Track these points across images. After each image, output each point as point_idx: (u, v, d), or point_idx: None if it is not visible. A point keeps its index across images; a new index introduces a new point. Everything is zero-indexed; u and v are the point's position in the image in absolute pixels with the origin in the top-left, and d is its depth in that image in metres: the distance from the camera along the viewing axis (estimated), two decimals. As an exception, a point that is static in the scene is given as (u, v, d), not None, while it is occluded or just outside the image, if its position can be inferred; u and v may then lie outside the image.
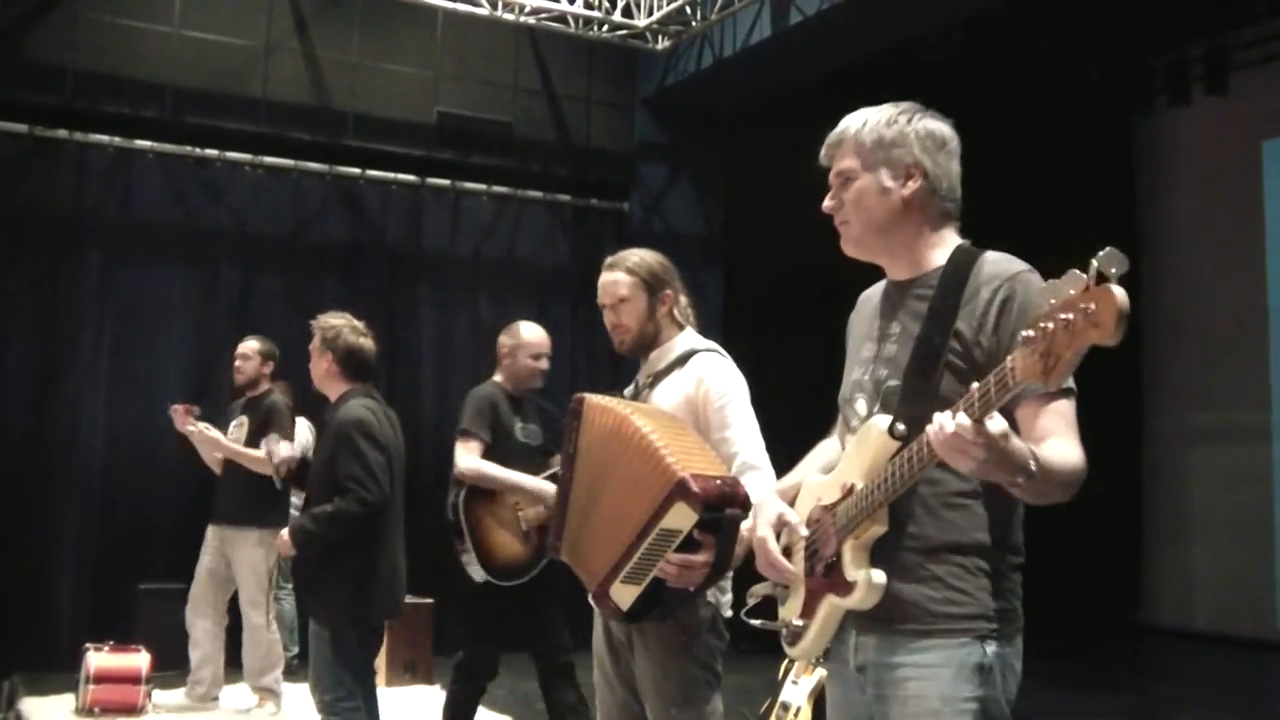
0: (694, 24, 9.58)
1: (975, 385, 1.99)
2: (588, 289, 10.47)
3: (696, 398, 3.46)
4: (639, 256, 3.76)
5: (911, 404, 2.26)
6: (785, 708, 5.17)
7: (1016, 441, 2.01)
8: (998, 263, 2.32)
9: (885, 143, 2.40)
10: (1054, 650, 7.76)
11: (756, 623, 2.58)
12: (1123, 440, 11.32)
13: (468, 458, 5.25)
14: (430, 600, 8.22)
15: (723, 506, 3.03)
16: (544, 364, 5.61)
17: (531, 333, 5.64)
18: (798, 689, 5.17)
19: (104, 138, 8.62)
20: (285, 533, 4.78)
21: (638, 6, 9.76)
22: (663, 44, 10.06)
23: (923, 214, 2.40)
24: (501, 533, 5.31)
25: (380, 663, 7.91)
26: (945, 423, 1.98)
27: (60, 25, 8.45)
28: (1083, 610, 10.51)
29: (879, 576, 2.26)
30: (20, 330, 8.35)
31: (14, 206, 8.31)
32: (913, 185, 2.39)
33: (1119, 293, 1.78)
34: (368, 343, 4.87)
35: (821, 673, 5.11)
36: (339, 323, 4.84)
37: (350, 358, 4.81)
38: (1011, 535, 2.33)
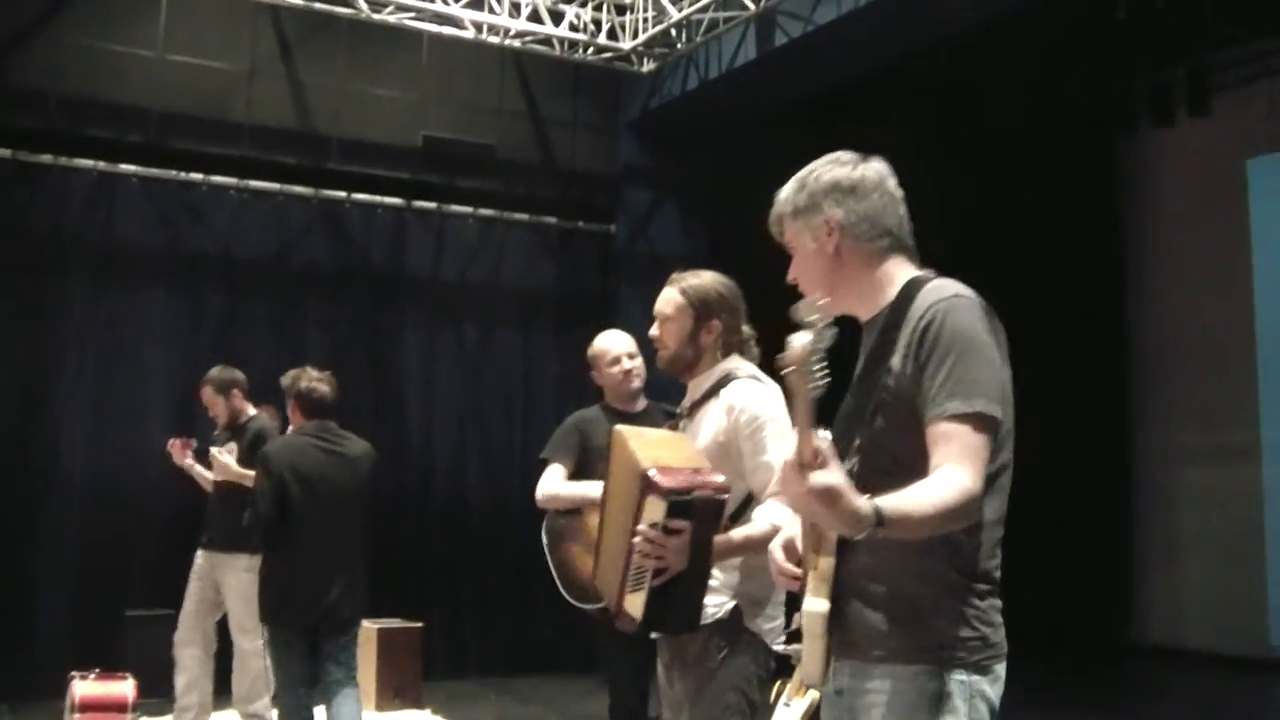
0: (679, 46, 9.60)
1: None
2: (573, 311, 10.56)
3: (729, 425, 3.49)
4: (698, 280, 3.71)
5: (841, 439, 2.29)
6: (777, 730, 5.14)
7: (849, 499, 2.01)
8: (930, 291, 2.36)
9: (800, 210, 2.50)
10: (1044, 670, 7.75)
11: (779, 647, 2.63)
12: (1111, 459, 11.34)
13: (540, 484, 5.12)
14: (420, 625, 8.20)
15: (689, 490, 3.16)
16: (626, 365, 5.09)
17: (602, 341, 5.21)
18: (789, 711, 5.14)
19: (87, 162, 8.59)
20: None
21: (622, 29, 9.78)
22: (648, 66, 10.08)
23: (857, 259, 2.46)
24: (581, 551, 5.23)
25: (369, 687, 7.90)
26: (785, 462, 2.05)
27: (43, 49, 8.43)
28: (1073, 629, 10.51)
29: (812, 605, 2.35)
30: (4, 355, 8.30)
31: (-2, 231, 8.28)
32: (833, 240, 2.46)
33: (793, 341, 1.99)
34: (321, 387, 5.68)
35: (814, 695, 5.09)
36: (296, 372, 5.72)
37: (301, 400, 5.66)
38: (979, 564, 2.30)
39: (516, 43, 9.64)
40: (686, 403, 3.72)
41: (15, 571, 8.10)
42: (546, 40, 9.67)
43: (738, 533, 3.41)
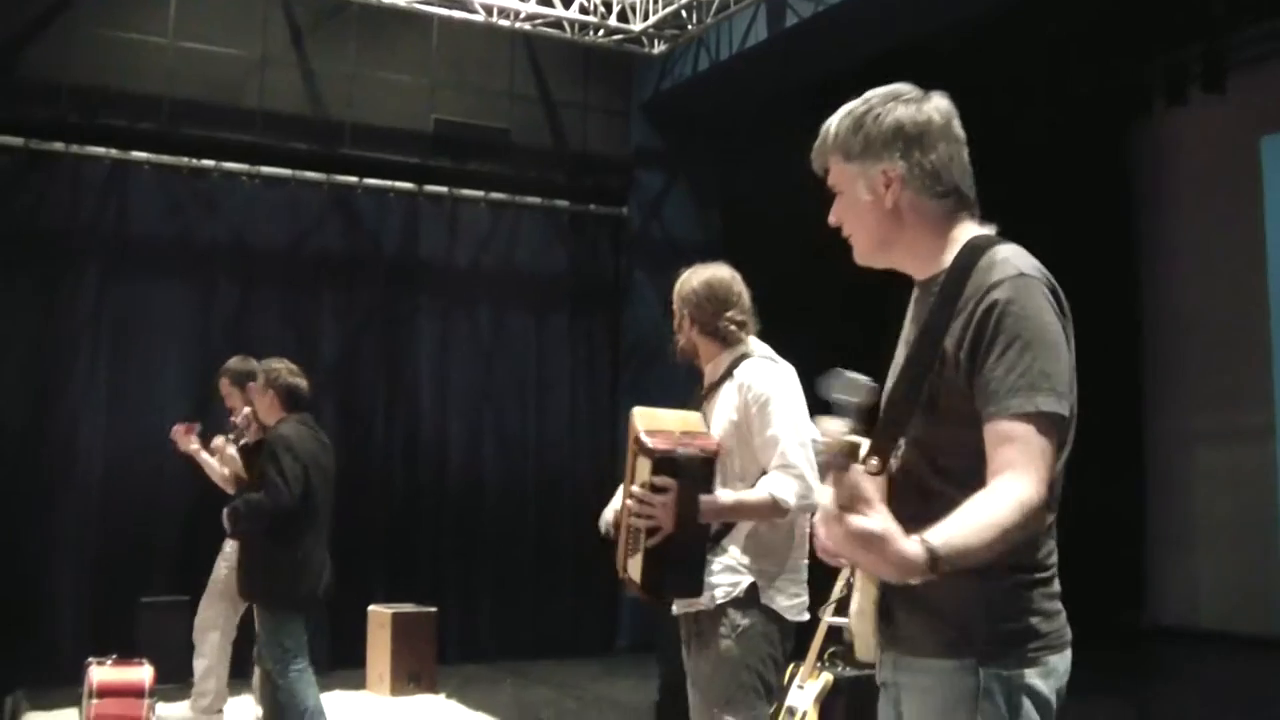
0: (690, 28, 9.57)
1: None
2: (586, 295, 10.55)
3: (740, 403, 3.58)
4: (681, 279, 3.84)
5: (888, 428, 2.15)
6: (791, 713, 5.14)
7: (897, 546, 1.83)
8: (991, 268, 2.11)
9: (854, 153, 2.23)
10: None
11: (830, 619, 2.63)
12: (1125, 442, 11.30)
13: None
14: (434, 609, 8.21)
15: (674, 450, 3.30)
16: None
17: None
18: (803, 693, 5.14)
19: (100, 150, 8.60)
20: (225, 509, 5.79)
21: (633, 11, 9.75)
22: (659, 48, 10.05)
23: (917, 216, 2.21)
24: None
25: (384, 672, 7.93)
26: (827, 504, 1.87)
27: (55, 38, 8.43)
28: (1087, 612, 10.44)
29: (860, 598, 2.29)
30: (18, 344, 8.33)
31: (10, 220, 8.29)
32: (892, 194, 2.20)
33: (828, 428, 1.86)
34: (302, 381, 5.83)
35: (827, 677, 5.09)
36: (279, 366, 5.83)
37: (288, 394, 5.77)
38: (1026, 554, 2.12)
39: (527, 25, 9.61)
40: (705, 386, 3.82)
41: (32, 559, 8.14)
42: (557, 23, 9.64)
43: (726, 494, 3.48)
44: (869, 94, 2.26)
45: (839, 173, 2.27)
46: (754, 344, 3.78)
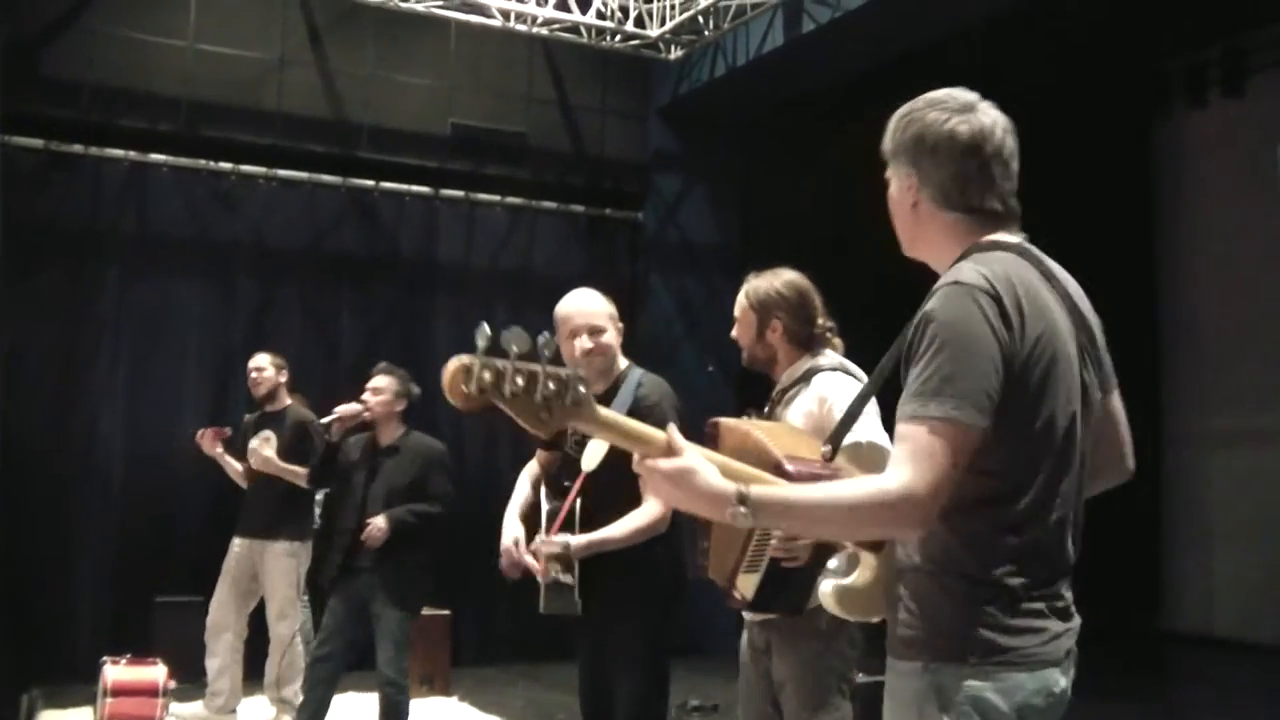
0: (706, 33, 9.58)
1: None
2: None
3: (820, 415, 3.56)
4: (760, 282, 3.84)
5: (843, 425, 2.31)
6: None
7: (704, 478, 2.06)
8: (945, 277, 2.16)
9: (891, 153, 2.32)
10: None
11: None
12: (1142, 444, 11.12)
13: None
14: (447, 612, 8.22)
15: (815, 480, 3.20)
16: (585, 344, 4.08)
17: (563, 305, 4.18)
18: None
19: (120, 152, 8.65)
20: (382, 520, 5.60)
21: (650, 16, 9.76)
22: (676, 54, 10.06)
23: (933, 223, 2.28)
24: None
25: (398, 674, 7.92)
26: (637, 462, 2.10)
27: (76, 40, 8.48)
28: (1103, 615, 10.41)
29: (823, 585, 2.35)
30: (38, 344, 8.37)
31: (31, 221, 8.32)
32: (911, 196, 2.29)
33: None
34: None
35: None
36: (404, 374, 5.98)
37: (412, 406, 5.97)
38: (992, 568, 2.09)
39: (544, 30, 9.64)
40: (776, 392, 3.82)
41: (50, 557, 8.18)
42: (574, 28, 9.67)
43: None
44: (926, 94, 2.32)
45: (890, 165, 2.36)
46: (826, 354, 3.80)
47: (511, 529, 4.24)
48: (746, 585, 3.38)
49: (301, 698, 6.34)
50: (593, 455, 3.86)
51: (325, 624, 5.75)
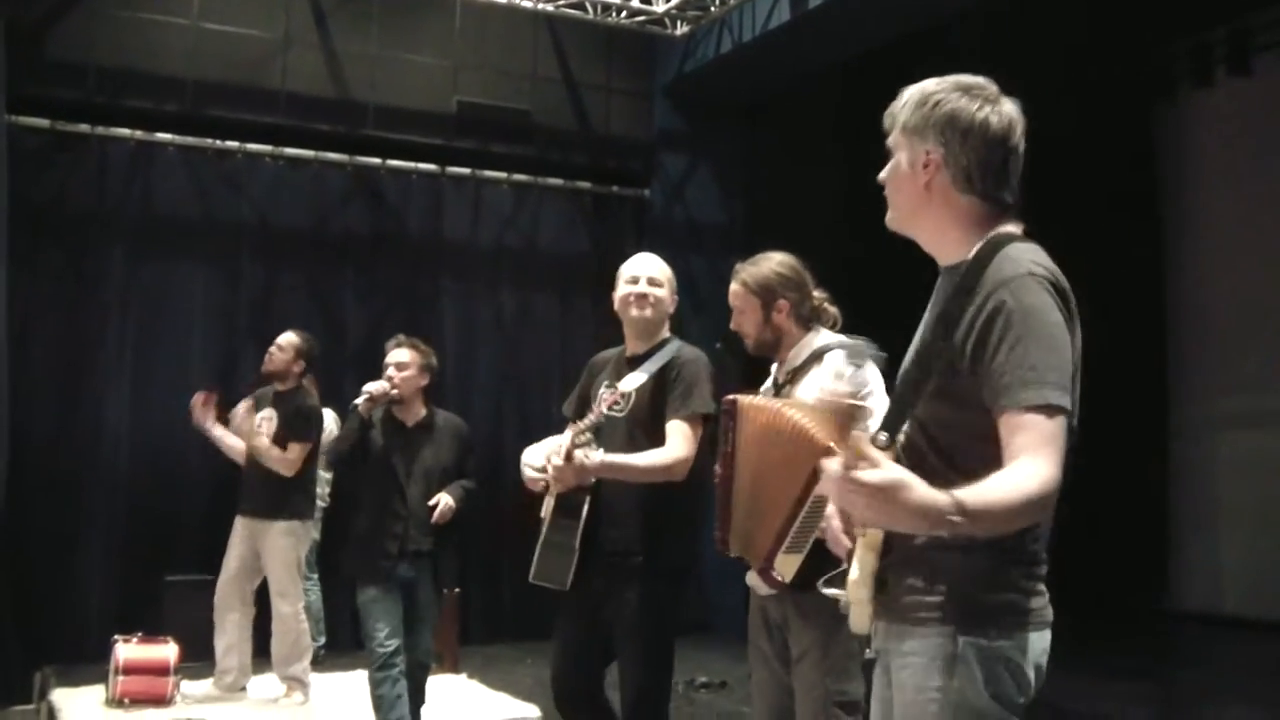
0: (712, 9, 9.55)
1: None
2: (609, 277, 10.49)
3: (840, 393, 3.58)
4: (755, 268, 3.91)
5: (899, 405, 2.28)
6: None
7: (920, 492, 1.95)
8: (1003, 265, 2.21)
9: (910, 127, 2.35)
10: (1081, 636, 7.71)
11: (824, 590, 2.63)
12: (1150, 426, 11.24)
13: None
14: (456, 590, 8.24)
15: None
16: (638, 289, 4.36)
17: (628, 263, 4.52)
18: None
19: (125, 131, 8.65)
20: (450, 498, 5.52)
21: (656, -7, 9.73)
22: (681, 30, 10.03)
23: (945, 203, 2.33)
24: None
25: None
26: (831, 466, 2.00)
27: (80, 20, 8.47)
28: (1110, 596, 10.46)
29: (859, 570, 2.35)
30: (44, 325, 8.38)
31: (36, 201, 8.33)
32: (927, 174, 2.33)
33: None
34: None
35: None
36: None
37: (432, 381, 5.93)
38: (1032, 531, 2.24)
39: (550, 7, 9.61)
40: (783, 372, 3.87)
41: (59, 537, 8.21)
42: (580, 4, 9.64)
43: None
44: (951, 77, 2.38)
45: (896, 136, 2.40)
46: (826, 332, 3.85)
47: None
48: (787, 566, 3.47)
49: (310, 675, 6.38)
50: (631, 381, 4.09)
51: (380, 613, 5.42)
